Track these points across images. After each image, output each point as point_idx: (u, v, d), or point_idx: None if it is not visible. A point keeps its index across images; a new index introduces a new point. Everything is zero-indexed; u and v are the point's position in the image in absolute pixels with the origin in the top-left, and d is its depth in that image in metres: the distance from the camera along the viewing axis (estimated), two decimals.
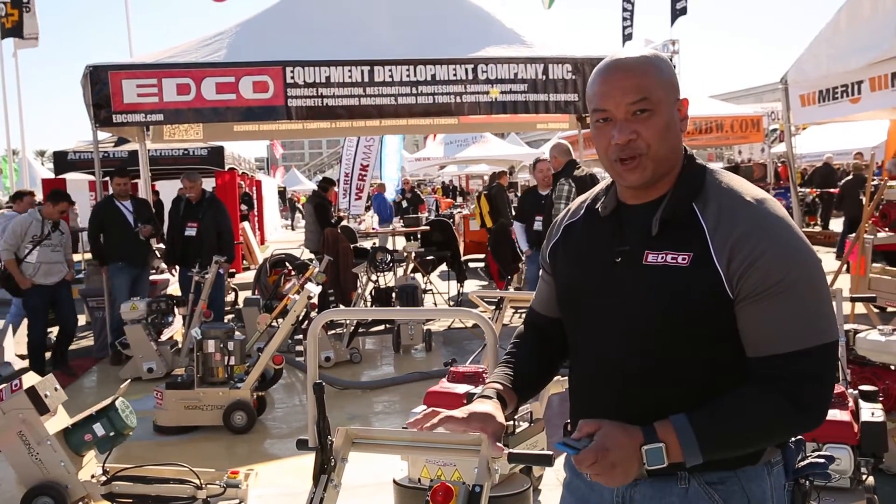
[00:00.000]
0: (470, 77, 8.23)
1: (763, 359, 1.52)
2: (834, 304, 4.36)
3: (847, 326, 4.47)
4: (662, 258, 1.58)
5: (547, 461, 1.80)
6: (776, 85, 10.14)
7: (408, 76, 8.17)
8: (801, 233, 1.56)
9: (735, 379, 1.56)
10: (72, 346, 8.59)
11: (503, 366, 1.85)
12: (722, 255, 1.52)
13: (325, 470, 1.96)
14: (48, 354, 7.99)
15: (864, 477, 3.41)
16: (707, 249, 1.54)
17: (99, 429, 4.32)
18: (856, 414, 3.44)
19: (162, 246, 9.71)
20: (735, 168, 19.12)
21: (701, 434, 1.50)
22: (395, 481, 4.01)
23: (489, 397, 1.75)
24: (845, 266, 7.87)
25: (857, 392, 3.62)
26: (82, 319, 9.44)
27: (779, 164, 19.58)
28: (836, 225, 17.93)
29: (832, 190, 16.93)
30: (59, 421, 4.36)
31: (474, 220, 13.69)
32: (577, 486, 1.81)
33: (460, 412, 1.71)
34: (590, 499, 1.76)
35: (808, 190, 17.26)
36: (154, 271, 9.84)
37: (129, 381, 5.26)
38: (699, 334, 1.56)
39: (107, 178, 9.11)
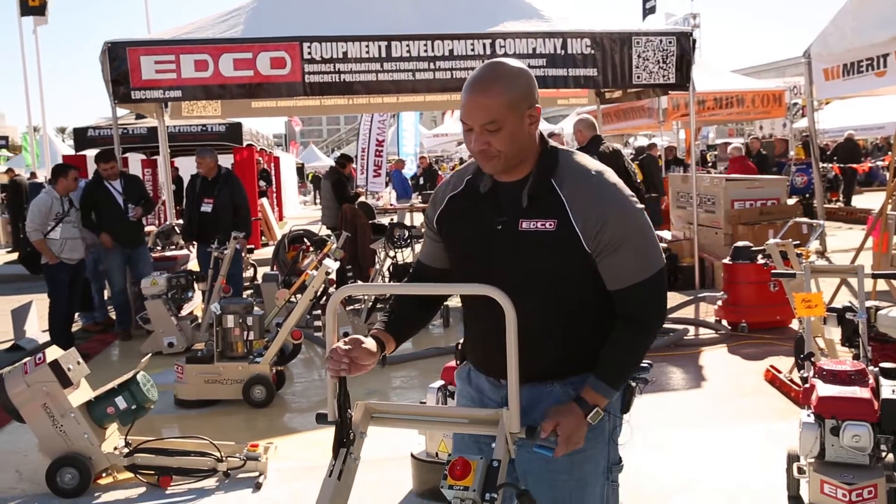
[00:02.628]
0: (488, 52, 8.16)
1: (622, 290, 2.04)
2: (856, 280, 4.34)
3: (868, 303, 4.42)
4: (534, 225, 2.02)
5: (554, 443, 1.96)
6: (799, 59, 10.00)
7: (425, 51, 8.11)
8: (629, 192, 2.04)
9: (595, 304, 2.08)
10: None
11: (386, 313, 2.24)
12: (578, 220, 1.98)
13: (345, 443, 1.97)
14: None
15: (883, 454, 3.40)
16: (567, 216, 1.99)
17: (121, 402, 4.39)
18: (876, 391, 3.42)
19: (180, 222, 9.77)
20: (641, 150, 18.95)
21: (610, 382, 2.05)
22: (412, 455, 4.05)
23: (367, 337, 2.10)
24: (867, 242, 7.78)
25: (877, 369, 3.59)
26: (106, 295, 9.56)
27: (799, 141, 19.34)
28: (858, 201, 17.72)
29: (855, 166, 16.74)
30: (81, 394, 4.42)
31: None
32: (467, 392, 2.25)
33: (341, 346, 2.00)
34: (482, 401, 2.19)
35: (829, 166, 17.03)
36: (173, 247, 9.91)
37: (149, 355, 5.33)
38: (566, 279, 2.04)
39: (126, 155, 9.18)
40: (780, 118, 18.02)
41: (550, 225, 2.00)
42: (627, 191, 2.03)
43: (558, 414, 1.98)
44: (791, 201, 10.46)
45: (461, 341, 2.39)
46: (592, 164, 2.08)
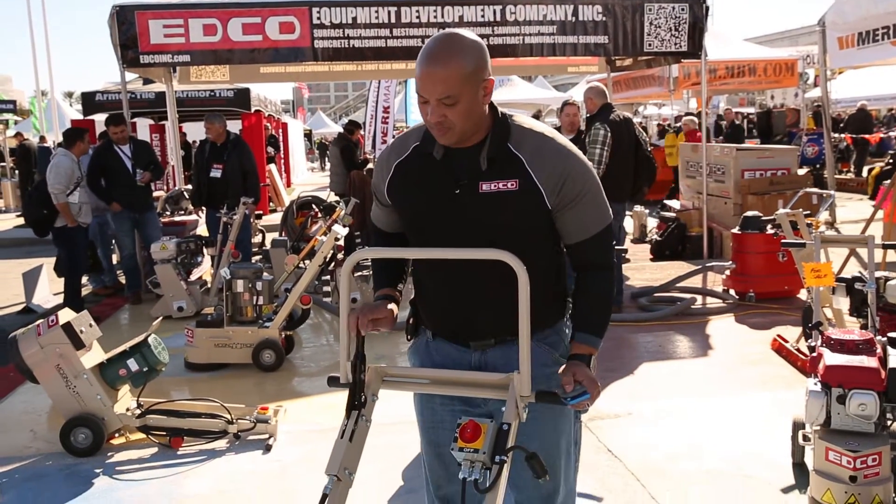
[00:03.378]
0: (498, 18, 8.08)
1: (586, 240, 2.15)
2: (866, 251, 4.33)
3: (878, 274, 4.41)
4: (495, 186, 2.08)
5: (565, 402, 1.99)
6: (813, 27, 9.88)
7: (435, 17, 8.03)
8: (579, 151, 2.15)
9: (552, 261, 2.21)
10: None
11: (377, 273, 2.36)
12: (540, 177, 2.07)
13: (356, 406, 2.00)
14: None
15: (889, 422, 3.42)
16: (528, 175, 2.07)
17: (133, 364, 4.44)
18: (883, 360, 3.43)
19: (189, 187, 9.78)
20: (767, 114, 18.72)
21: (596, 332, 2.16)
22: None
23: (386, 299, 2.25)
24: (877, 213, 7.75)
25: (885, 339, 3.60)
26: (115, 260, 9.62)
27: (811, 111, 19.14)
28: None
29: (867, 136, 16.59)
30: (94, 356, 4.48)
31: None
32: (430, 364, 2.29)
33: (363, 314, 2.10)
34: (448, 364, 2.25)
35: (842, 136, 16.87)
36: (182, 212, 9.93)
37: (160, 318, 5.38)
38: (527, 236, 2.11)
39: (135, 120, 9.15)
40: (792, 88, 17.78)
41: (512, 185, 2.06)
42: (577, 150, 2.16)
43: (570, 368, 2.06)
44: (802, 171, 10.39)
45: (409, 316, 2.39)
46: (542, 126, 2.18)
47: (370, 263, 2.48)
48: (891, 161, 13.65)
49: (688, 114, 17.32)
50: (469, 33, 2.06)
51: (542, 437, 2.25)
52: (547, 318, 2.22)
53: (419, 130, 2.22)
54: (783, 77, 15.20)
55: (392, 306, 2.18)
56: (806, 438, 3.66)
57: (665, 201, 11.29)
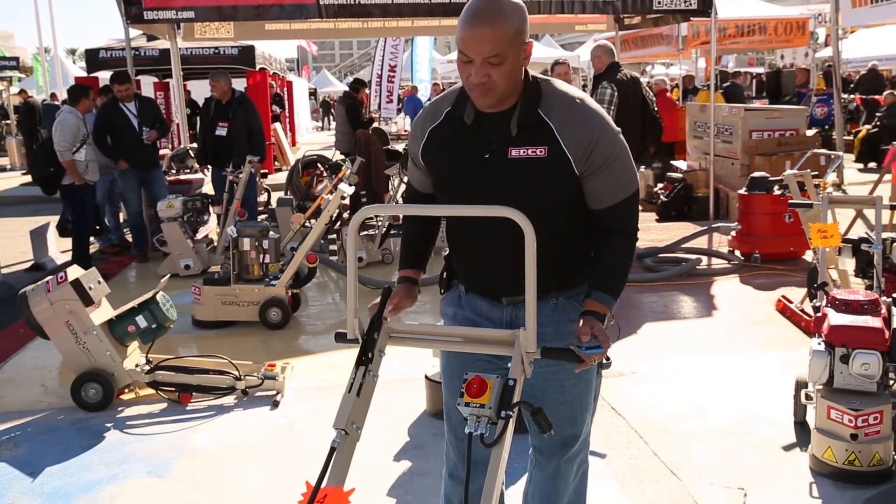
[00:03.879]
0: None
1: (606, 209, 2.17)
2: (873, 212, 4.33)
3: (885, 235, 4.41)
4: (524, 152, 2.09)
5: (576, 358, 2.01)
6: None
7: None
8: (609, 117, 2.15)
9: (576, 225, 2.22)
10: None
11: (404, 247, 2.45)
12: (569, 145, 2.07)
13: (364, 362, 2.02)
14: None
15: (891, 382, 3.45)
16: (558, 143, 2.07)
17: (141, 321, 4.48)
18: (888, 321, 3.45)
19: (194, 145, 9.76)
20: (776, 73, 18.51)
21: (612, 292, 2.18)
22: (426, 377, 4.13)
23: (405, 280, 2.36)
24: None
25: (890, 300, 3.61)
26: (121, 218, 9.65)
27: (821, 71, 18.90)
28: None
29: (878, 97, 16.38)
30: (103, 312, 4.52)
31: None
32: (462, 316, 2.35)
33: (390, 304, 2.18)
34: (479, 322, 2.30)
35: (852, 97, 16.67)
36: (187, 171, 9.92)
37: (168, 276, 5.41)
38: (556, 202, 2.15)
39: (139, 78, 9.10)
40: (803, 47, 17.59)
41: (541, 152, 2.08)
42: (607, 115, 2.17)
43: (587, 322, 2.08)
44: (810, 132, 10.31)
45: (443, 271, 2.42)
46: (574, 91, 2.18)
47: (401, 234, 2.54)
48: (878, 124, 13.47)
49: (692, 71, 17.10)
50: None
51: (566, 388, 2.31)
52: (574, 277, 2.27)
53: (452, 94, 2.23)
54: (794, 36, 15.00)
55: (412, 294, 2.31)
56: (808, 398, 3.70)
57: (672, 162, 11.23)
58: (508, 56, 2.01)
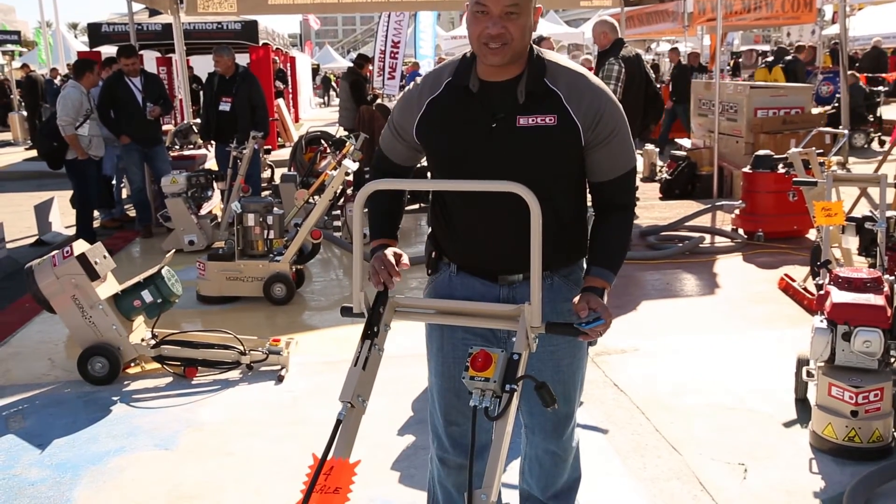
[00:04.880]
0: None
1: (609, 182, 2.18)
2: (878, 190, 4.32)
3: (889, 213, 4.41)
4: (533, 120, 2.07)
5: (579, 332, 2.01)
6: None
7: None
8: (610, 91, 2.17)
9: (578, 198, 2.24)
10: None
11: (378, 219, 2.40)
12: (578, 114, 2.07)
13: (369, 335, 2.04)
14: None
15: (892, 360, 3.47)
16: (566, 111, 2.07)
17: (147, 295, 4.50)
18: (890, 299, 3.46)
19: (198, 121, 9.73)
20: (782, 51, 18.37)
21: (612, 268, 2.16)
22: None
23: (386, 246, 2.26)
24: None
25: (893, 278, 3.63)
26: (124, 193, 9.67)
27: (828, 49, 18.75)
28: (885, 112, 17.31)
29: (883, 75, 16.27)
30: (108, 287, 4.54)
31: None
32: (464, 284, 2.29)
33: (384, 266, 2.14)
34: (474, 298, 2.25)
35: (857, 75, 16.52)
36: (191, 146, 9.92)
37: (172, 251, 5.43)
38: (562, 171, 2.15)
39: (141, 53, 9.06)
40: (810, 24, 17.43)
41: (551, 120, 2.06)
42: (609, 89, 2.18)
43: (584, 297, 2.07)
44: (816, 110, 10.26)
45: (430, 250, 2.38)
46: (575, 65, 2.18)
47: (368, 207, 2.43)
48: (836, 105, 13.28)
49: (698, 49, 16.93)
50: None
51: (562, 368, 2.33)
52: (571, 253, 2.28)
53: (452, 65, 2.20)
54: (801, 13, 14.81)
55: (405, 259, 2.22)
56: (810, 375, 3.72)
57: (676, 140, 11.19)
58: (524, 11, 2.01)
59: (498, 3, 1.99)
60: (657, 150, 11.29)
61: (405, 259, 2.19)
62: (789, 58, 13.74)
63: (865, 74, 16.90)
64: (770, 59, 14.88)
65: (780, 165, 6.93)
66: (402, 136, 2.29)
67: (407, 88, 2.32)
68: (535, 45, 2.15)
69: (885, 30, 19.18)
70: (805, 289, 5.47)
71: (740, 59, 21.46)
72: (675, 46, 13.89)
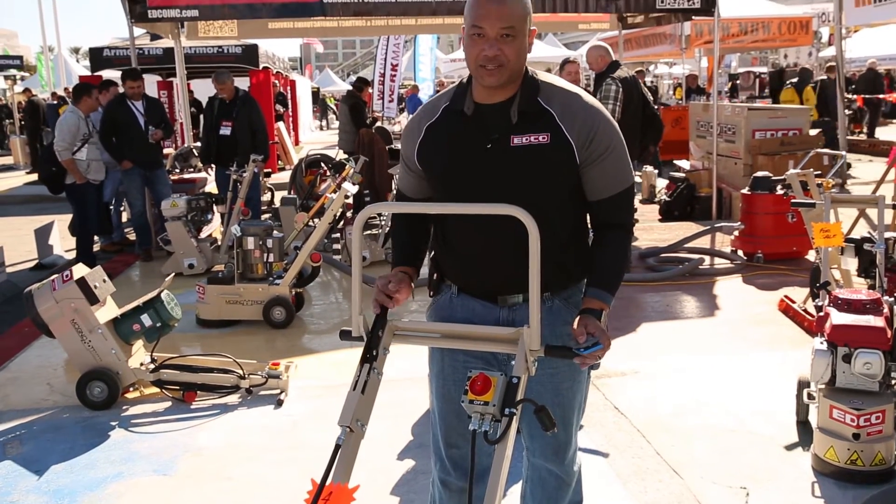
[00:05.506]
0: None
1: (605, 200, 2.18)
2: (876, 212, 4.33)
3: (887, 234, 4.42)
4: (526, 139, 2.09)
5: (577, 357, 2.00)
6: None
7: None
8: (605, 109, 2.18)
9: (576, 217, 2.24)
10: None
11: (397, 249, 2.39)
12: (572, 133, 2.09)
13: (368, 359, 2.03)
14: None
15: (893, 382, 3.46)
16: (560, 130, 2.09)
17: (146, 319, 4.49)
18: (890, 320, 3.46)
19: (198, 144, 9.77)
20: (780, 73, 18.50)
21: (610, 289, 2.16)
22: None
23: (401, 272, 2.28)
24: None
25: (893, 299, 3.62)
26: (124, 217, 9.68)
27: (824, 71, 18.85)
28: (882, 133, 17.40)
29: (880, 96, 16.36)
30: (108, 311, 4.53)
31: None
32: (456, 320, 2.29)
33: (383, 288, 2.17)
34: (474, 320, 2.26)
35: (854, 97, 16.64)
36: (191, 170, 9.95)
37: (172, 275, 5.43)
38: (557, 190, 2.15)
39: (143, 76, 9.09)
40: (806, 46, 17.57)
41: (544, 138, 2.08)
42: (602, 106, 2.19)
43: (582, 321, 2.06)
44: (813, 132, 10.31)
45: (432, 272, 2.38)
46: (568, 84, 2.21)
47: (390, 240, 2.47)
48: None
49: (695, 71, 17.02)
50: None
51: (561, 391, 2.31)
52: (571, 275, 2.27)
53: (449, 92, 2.24)
54: (797, 35, 14.99)
55: (408, 279, 2.25)
56: (811, 397, 3.71)
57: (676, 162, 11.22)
58: (520, 33, 2.05)
59: (494, 26, 2.02)
60: (656, 171, 11.32)
61: (405, 289, 2.21)
62: (823, 77, 13.53)
63: (862, 96, 17.03)
64: (795, 79, 14.73)
65: (779, 187, 6.96)
66: (409, 166, 2.33)
67: (410, 118, 2.35)
68: (529, 67, 2.17)
69: (881, 52, 19.29)
70: (805, 310, 5.46)
71: (738, 81, 21.59)
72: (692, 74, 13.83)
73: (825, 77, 13.36)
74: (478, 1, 2.05)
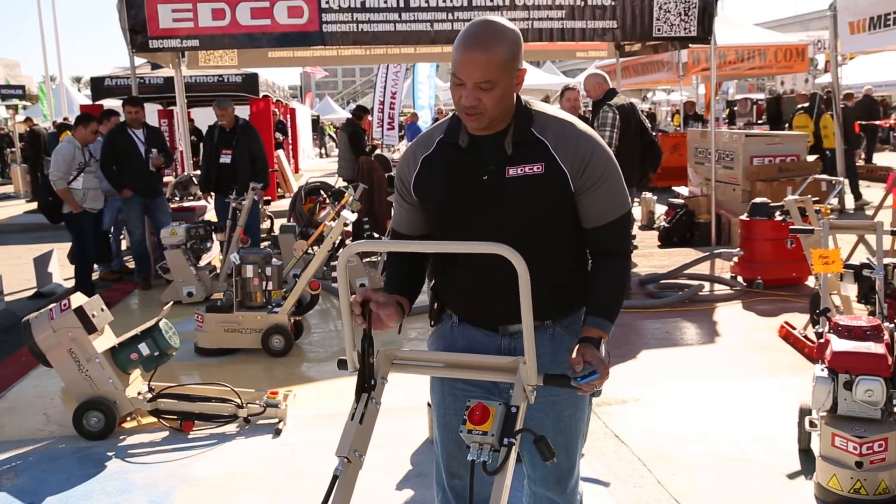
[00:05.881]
0: (507, 3, 8.06)
1: (601, 227, 2.18)
2: (874, 238, 4.33)
3: (886, 260, 4.42)
4: (521, 170, 2.11)
5: (575, 386, 2.00)
6: (825, 12, 9.80)
7: (444, 1, 8.01)
8: (599, 136, 2.20)
9: (573, 245, 2.23)
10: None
11: (390, 280, 2.34)
12: (565, 161, 2.10)
13: (366, 388, 2.02)
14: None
15: (895, 409, 3.44)
16: (553, 158, 2.10)
17: (144, 348, 4.48)
18: (891, 347, 3.44)
19: (198, 173, 9.80)
20: (776, 100, 18.62)
21: (609, 316, 2.16)
22: (429, 404, 4.11)
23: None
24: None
25: (893, 325, 3.61)
26: (123, 245, 9.68)
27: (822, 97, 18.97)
28: (879, 159, 17.47)
29: (877, 122, 16.45)
30: (106, 340, 4.51)
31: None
32: (456, 349, 2.29)
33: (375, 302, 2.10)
34: (476, 349, 2.26)
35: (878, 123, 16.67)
36: (191, 198, 9.97)
37: (170, 303, 5.41)
38: (554, 219, 2.16)
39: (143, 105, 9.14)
40: (803, 73, 17.68)
41: (539, 168, 2.10)
42: (598, 135, 2.21)
43: (580, 350, 2.06)
44: (811, 158, 10.36)
45: (432, 301, 2.37)
46: (562, 112, 2.23)
47: (385, 270, 2.44)
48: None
49: (693, 97, 17.09)
50: (507, 21, 2.08)
51: (563, 419, 2.30)
52: (571, 303, 2.27)
53: (443, 124, 2.25)
54: (794, 62, 15.10)
55: (396, 305, 2.16)
56: (812, 424, 3.68)
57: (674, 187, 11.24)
58: (500, 82, 2.03)
59: (470, 77, 2.02)
60: (654, 198, 11.35)
61: (394, 311, 2.14)
62: (841, 106, 13.42)
63: (859, 122, 17.12)
64: (806, 104, 14.60)
65: (777, 213, 6.97)
66: (404, 197, 2.32)
67: (405, 149, 2.35)
68: (522, 98, 2.18)
69: (876, 78, 19.43)
70: (806, 337, 5.45)
71: (735, 108, 21.73)
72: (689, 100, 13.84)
73: (844, 104, 13.27)
74: (458, 47, 2.04)
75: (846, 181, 10.53)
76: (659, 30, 8.31)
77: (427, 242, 2.27)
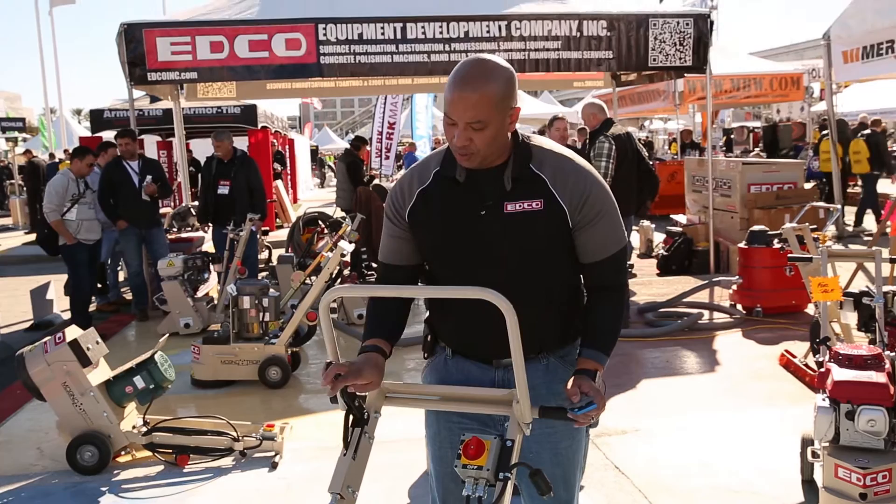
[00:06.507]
0: (503, 34, 8.13)
1: (601, 261, 2.17)
2: (873, 265, 4.31)
3: (886, 288, 4.39)
4: (520, 206, 2.09)
5: (571, 418, 1.97)
6: (818, 41, 9.88)
7: (441, 33, 8.08)
8: (597, 172, 2.19)
9: (570, 279, 2.23)
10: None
11: (374, 320, 2.26)
12: (564, 197, 2.09)
13: (359, 423, 1.99)
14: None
15: None
16: (552, 194, 2.10)
17: (139, 381, 4.44)
18: (892, 376, 3.41)
19: (196, 204, 9.81)
20: (773, 127, 18.70)
21: (605, 350, 2.14)
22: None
23: (371, 352, 2.14)
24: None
25: (894, 354, 3.58)
26: (120, 276, 9.65)
27: (817, 125, 19.08)
28: (882, 186, 17.45)
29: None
30: (100, 373, 4.48)
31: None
32: (451, 381, 2.27)
33: (348, 371, 2.02)
34: (470, 381, 2.24)
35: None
36: (188, 229, 9.96)
37: (167, 335, 5.38)
38: (551, 256, 2.15)
39: (142, 137, 9.20)
40: (798, 101, 17.79)
41: (538, 204, 2.09)
42: (595, 170, 2.20)
43: (576, 382, 2.03)
44: (808, 185, 10.38)
45: (426, 334, 2.34)
46: (560, 148, 2.21)
47: (366, 313, 2.32)
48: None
49: (690, 126, 17.16)
50: (501, 60, 2.06)
51: (560, 451, 2.27)
52: (567, 335, 2.26)
53: (439, 155, 2.22)
54: (789, 91, 15.22)
55: (372, 367, 2.07)
56: (815, 455, 3.63)
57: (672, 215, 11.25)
58: (492, 122, 2.01)
59: (461, 117, 2.01)
60: (653, 226, 11.36)
61: (371, 374, 2.04)
62: (868, 132, 13.28)
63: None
64: (825, 131, 14.45)
65: (776, 241, 6.96)
66: (396, 224, 2.25)
67: (399, 178, 2.33)
68: (519, 133, 2.16)
69: (872, 106, 19.53)
70: (806, 365, 5.41)
71: (732, 136, 21.83)
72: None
73: (871, 130, 13.15)
74: (450, 86, 2.02)
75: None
76: (654, 60, 8.37)
77: (411, 288, 2.24)
